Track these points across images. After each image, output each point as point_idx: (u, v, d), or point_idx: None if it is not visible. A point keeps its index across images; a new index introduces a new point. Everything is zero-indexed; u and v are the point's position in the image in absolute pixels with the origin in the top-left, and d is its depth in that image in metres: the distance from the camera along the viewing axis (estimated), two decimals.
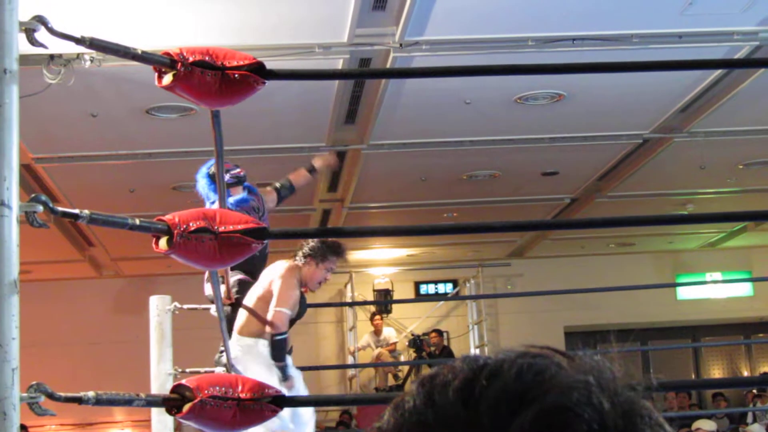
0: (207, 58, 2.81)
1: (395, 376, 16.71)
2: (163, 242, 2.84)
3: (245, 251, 2.94)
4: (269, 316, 6.49)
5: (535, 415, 0.77)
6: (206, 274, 6.89)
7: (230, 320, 6.59)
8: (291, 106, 8.99)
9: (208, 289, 6.97)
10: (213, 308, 6.51)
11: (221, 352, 6.81)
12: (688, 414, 13.53)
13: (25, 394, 2.42)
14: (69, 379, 12.66)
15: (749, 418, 14.53)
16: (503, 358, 0.83)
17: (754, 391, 15.51)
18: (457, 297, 18.75)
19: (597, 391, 0.79)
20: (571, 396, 0.78)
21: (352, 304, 16.88)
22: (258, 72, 2.86)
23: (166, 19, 7.19)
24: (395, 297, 17.17)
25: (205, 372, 6.34)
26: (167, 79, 2.81)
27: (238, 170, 6.92)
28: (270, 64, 2.92)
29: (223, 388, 2.94)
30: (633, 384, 0.83)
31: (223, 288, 6.79)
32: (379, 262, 17.44)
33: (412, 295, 17.96)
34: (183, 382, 2.98)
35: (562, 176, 12.07)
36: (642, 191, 12.79)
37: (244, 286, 6.91)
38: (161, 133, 9.56)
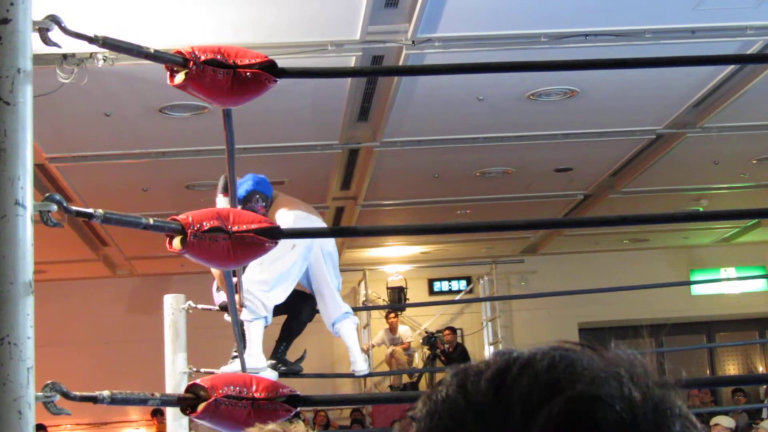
0: (219, 57, 2.82)
1: (410, 374, 16.72)
2: (176, 242, 2.84)
3: (259, 251, 2.94)
4: None
5: (565, 404, 0.78)
6: (214, 285, 6.89)
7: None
8: (303, 104, 8.99)
9: (218, 299, 6.94)
10: (227, 315, 6.49)
11: (234, 357, 6.80)
12: (706, 410, 13.48)
13: (40, 394, 2.42)
14: (84, 379, 12.64)
15: (764, 414, 14.48)
16: (536, 350, 0.84)
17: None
18: (471, 300, 18.59)
19: (628, 383, 0.80)
20: (602, 386, 0.79)
21: (365, 309, 16.83)
22: (270, 70, 2.86)
23: (178, 18, 7.20)
24: (409, 294, 17.15)
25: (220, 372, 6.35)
26: (179, 77, 2.81)
27: (259, 206, 6.74)
28: (282, 63, 2.92)
29: (238, 388, 2.94)
30: (664, 379, 0.83)
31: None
32: (393, 259, 17.43)
33: (425, 293, 17.93)
34: (197, 381, 2.98)
35: (576, 172, 12.05)
36: (655, 187, 12.76)
37: None
38: (174, 132, 9.57)
